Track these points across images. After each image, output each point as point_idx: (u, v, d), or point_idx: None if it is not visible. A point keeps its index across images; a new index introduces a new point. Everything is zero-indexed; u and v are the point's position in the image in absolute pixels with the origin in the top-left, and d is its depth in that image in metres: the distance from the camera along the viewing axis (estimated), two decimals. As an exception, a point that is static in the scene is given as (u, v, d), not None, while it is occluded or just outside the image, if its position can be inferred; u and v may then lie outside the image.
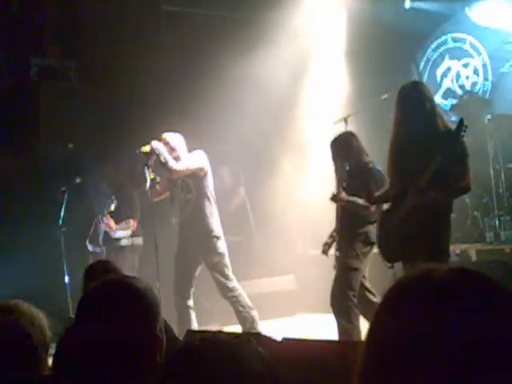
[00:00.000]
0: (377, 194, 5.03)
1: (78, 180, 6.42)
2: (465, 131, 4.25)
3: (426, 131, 4.46)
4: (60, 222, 6.34)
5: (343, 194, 5.37)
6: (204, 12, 8.73)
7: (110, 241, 6.63)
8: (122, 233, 6.77)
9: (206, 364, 1.36)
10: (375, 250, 5.10)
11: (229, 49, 8.16)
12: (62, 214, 6.33)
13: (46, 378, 2.18)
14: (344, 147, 5.58)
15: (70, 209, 6.47)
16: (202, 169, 6.13)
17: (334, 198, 5.43)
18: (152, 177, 6.13)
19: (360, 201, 5.38)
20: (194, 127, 7.03)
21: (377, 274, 5.38)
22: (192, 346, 1.42)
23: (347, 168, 5.47)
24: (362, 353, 0.96)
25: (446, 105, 8.71)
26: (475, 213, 7.42)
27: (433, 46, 9.19)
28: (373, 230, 5.26)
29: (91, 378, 1.80)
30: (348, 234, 5.47)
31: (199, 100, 7.96)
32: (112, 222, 6.75)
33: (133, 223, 6.86)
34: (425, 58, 9.29)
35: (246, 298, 6.17)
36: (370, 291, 5.45)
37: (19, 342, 2.26)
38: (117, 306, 1.86)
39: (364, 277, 5.50)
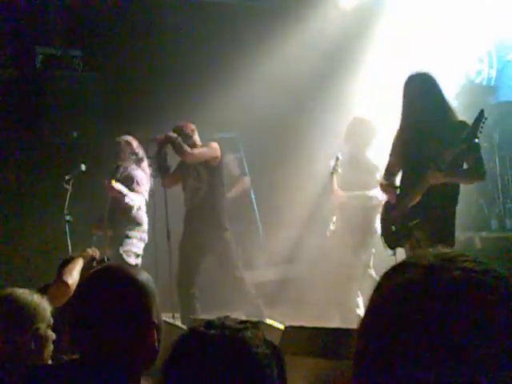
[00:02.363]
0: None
1: (82, 168, 6.40)
2: (484, 122, 4.24)
3: (437, 120, 4.48)
4: (65, 211, 6.34)
5: (340, 193, 5.38)
6: None
7: (115, 228, 6.57)
8: (135, 196, 6.36)
9: (213, 348, 1.38)
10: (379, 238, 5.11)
11: (237, 37, 8.15)
12: (66, 202, 6.33)
13: (47, 365, 2.20)
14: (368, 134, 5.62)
15: (75, 197, 6.47)
16: (215, 158, 6.17)
17: (334, 197, 5.45)
18: (164, 165, 6.20)
19: (360, 193, 5.40)
20: (200, 115, 7.03)
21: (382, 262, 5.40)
22: (198, 331, 1.43)
23: (338, 156, 5.45)
24: (357, 335, 0.94)
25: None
26: (480, 200, 7.41)
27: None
28: (376, 219, 5.28)
29: (88, 364, 1.81)
30: (353, 223, 5.48)
31: (205, 88, 7.95)
32: (120, 185, 6.26)
33: (139, 198, 6.54)
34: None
35: (250, 287, 6.20)
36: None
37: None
38: (111, 292, 1.88)
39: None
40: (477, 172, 4.47)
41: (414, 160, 4.58)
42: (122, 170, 6.41)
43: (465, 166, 4.45)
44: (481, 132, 4.24)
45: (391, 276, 0.93)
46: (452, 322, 0.83)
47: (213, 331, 1.41)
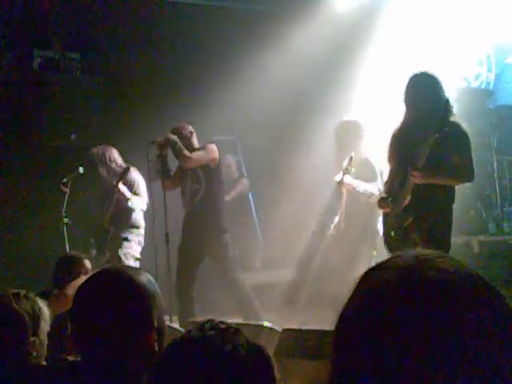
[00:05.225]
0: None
1: (81, 170, 6.39)
2: (451, 109, 4.31)
3: (424, 119, 4.49)
4: (63, 213, 6.34)
5: (348, 178, 5.41)
6: (205, 3, 8.71)
7: (115, 230, 6.56)
8: (137, 199, 6.38)
9: (193, 365, 1.35)
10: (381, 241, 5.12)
11: (236, 40, 8.15)
12: (64, 205, 6.33)
13: (42, 367, 2.20)
14: (353, 135, 5.64)
15: (73, 200, 6.47)
16: (214, 160, 6.17)
17: (340, 182, 5.49)
18: (165, 168, 6.20)
19: (363, 185, 5.42)
20: (199, 117, 7.03)
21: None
22: (178, 345, 1.40)
23: (352, 156, 5.50)
24: (333, 333, 0.95)
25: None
26: (478, 204, 7.41)
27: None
28: (378, 220, 5.30)
29: (88, 365, 1.82)
30: (354, 225, 5.50)
31: (204, 90, 7.96)
32: (126, 190, 6.32)
33: (145, 200, 6.55)
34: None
35: (248, 290, 6.20)
36: None
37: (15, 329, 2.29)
38: (110, 295, 1.88)
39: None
40: (463, 171, 4.47)
41: (400, 161, 4.60)
42: (129, 173, 6.39)
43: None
44: (449, 120, 4.29)
45: (368, 277, 0.94)
46: (424, 323, 0.84)
47: (193, 346, 1.37)
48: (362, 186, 5.61)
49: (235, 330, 1.42)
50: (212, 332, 1.39)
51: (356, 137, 5.87)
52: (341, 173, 5.68)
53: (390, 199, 4.65)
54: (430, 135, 4.28)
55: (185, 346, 1.38)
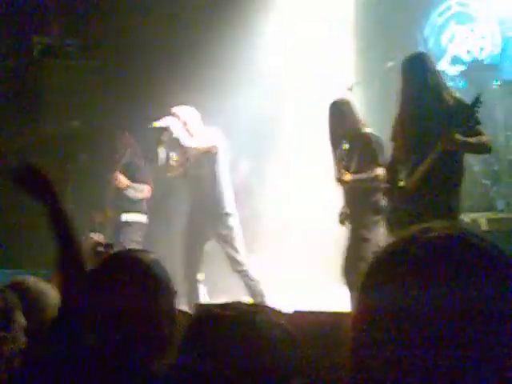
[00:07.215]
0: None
1: (82, 157, 6.37)
2: (479, 107, 4.28)
3: (434, 105, 4.48)
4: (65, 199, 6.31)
5: (347, 176, 5.34)
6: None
7: (116, 215, 6.54)
8: (133, 193, 6.50)
9: (227, 328, 1.38)
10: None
11: (237, 27, 8.09)
12: (66, 192, 6.29)
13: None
14: (340, 115, 5.51)
15: (75, 187, 6.44)
16: (215, 146, 6.12)
17: (340, 182, 5.41)
18: (165, 152, 6.17)
19: (365, 175, 5.34)
20: (199, 102, 6.98)
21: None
22: (213, 311, 1.42)
23: (346, 146, 5.43)
24: (352, 319, 0.94)
25: (453, 71, 8.58)
26: (485, 181, 7.34)
27: (438, 11, 9.01)
28: (381, 197, 5.25)
29: (96, 353, 1.78)
30: (357, 204, 5.44)
31: (205, 75, 7.89)
32: (123, 178, 6.44)
33: (147, 189, 6.59)
34: (430, 24, 9.11)
35: (254, 272, 6.19)
36: None
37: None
38: (120, 278, 1.87)
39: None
40: (485, 142, 4.47)
41: (416, 141, 4.56)
42: (125, 159, 6.39)
43: None
44: (477, 118, 4.33)
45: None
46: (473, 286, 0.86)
47: (228, 312, 1.41)
48: (363, 177, 5.51)
49: (266, 307, 1.50)
50: (245, 308, 1.44)
51: (353, 116, 5.70)
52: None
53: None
54: (459, 126, 4.27)
55: (219, 318, 1.41)
